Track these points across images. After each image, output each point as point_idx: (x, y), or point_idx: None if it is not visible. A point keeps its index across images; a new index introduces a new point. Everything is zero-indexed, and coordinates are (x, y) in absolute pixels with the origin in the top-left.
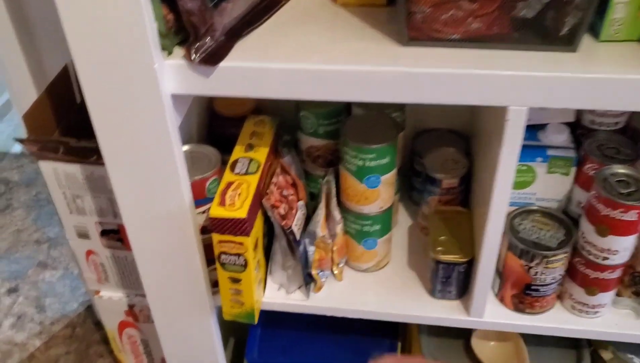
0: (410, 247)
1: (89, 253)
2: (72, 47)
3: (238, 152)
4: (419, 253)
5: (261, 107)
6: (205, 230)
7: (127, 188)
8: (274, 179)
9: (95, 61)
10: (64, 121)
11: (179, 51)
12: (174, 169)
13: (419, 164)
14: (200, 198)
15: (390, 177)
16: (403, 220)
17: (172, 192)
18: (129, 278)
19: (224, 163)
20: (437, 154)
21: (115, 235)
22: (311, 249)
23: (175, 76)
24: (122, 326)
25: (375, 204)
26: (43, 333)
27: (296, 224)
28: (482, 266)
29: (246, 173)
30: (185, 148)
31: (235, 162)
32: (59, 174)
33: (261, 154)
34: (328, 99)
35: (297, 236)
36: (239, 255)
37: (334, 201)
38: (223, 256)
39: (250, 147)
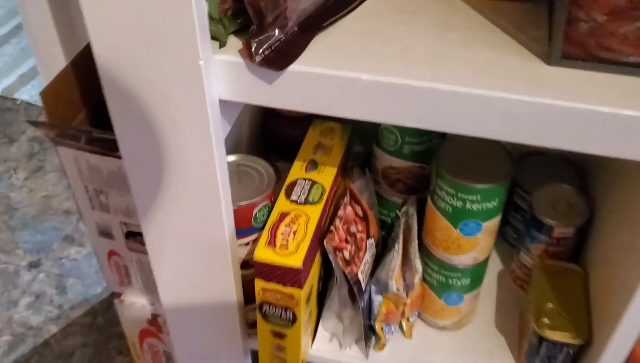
0: (499, 300)
1: (111, 254)
2: (88, 25)
3: (297, 171)
4: (509, 310)
5: None
6: (247, 264)
7: (152, 210)
8: (341, 212)
9: (119, 50)
10: (93, 99)
11: (234, 43)
12: (214, 192)
13: (521, 197)
14: (245, 227)
15: (493, 224)
16: (492, 263)
17: (209, 219)
18: (155, 285)
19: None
20: (548, 192)
21: (141, 238)
22: (378, 299)
23: (226, 76)
24: (144, 335)
25: (469, 256)
26: (61, 318)
27: (363, 271)
28: (610, 353)
29: (306, 202)
30: (231, 158)
31: (293, 185)
32: (80, 165)
33: (327, 176)
34: (434, 128)
35: (363, 286)
36: (286, 308)
37: (414, 245)
38: (266, 307)
39: (313, 165)
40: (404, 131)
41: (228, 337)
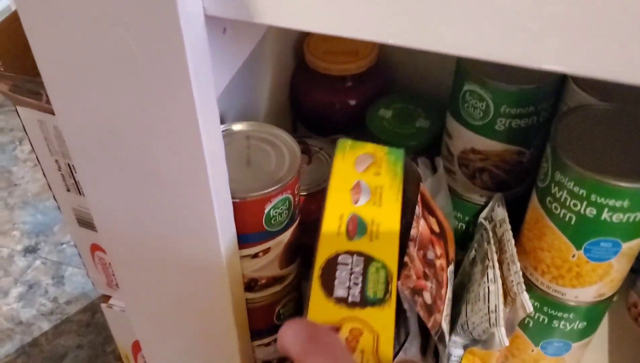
0: (613, 346)
1: (95, 248)
2: None
3: (332, 238)
4: (626, 360)
5: (388, 64)
6: (254, 285)
7: (100, 197)
8: (413, 232)
9: None
10: None
11: None
12: (198, 174)
13: None
14: (252, 231)
15: (636, 246)
16: None
17: (194, 217)
18: None
19: (309, 156)
20: None
21: None
22: (457, 353)
23: None
24: (138, 347)
25: (592, 290)
26: (55, 313)
27: (446, 316)
28: None
29: (364, 302)
30: (237, 127)
31: (333, 265)
32: (47, 131)
33: (387, 245)
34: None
35: (446, 337)
36: None
37: (514, 268)
38: None
39: (359, 225)
40: (500, 95)
41: None
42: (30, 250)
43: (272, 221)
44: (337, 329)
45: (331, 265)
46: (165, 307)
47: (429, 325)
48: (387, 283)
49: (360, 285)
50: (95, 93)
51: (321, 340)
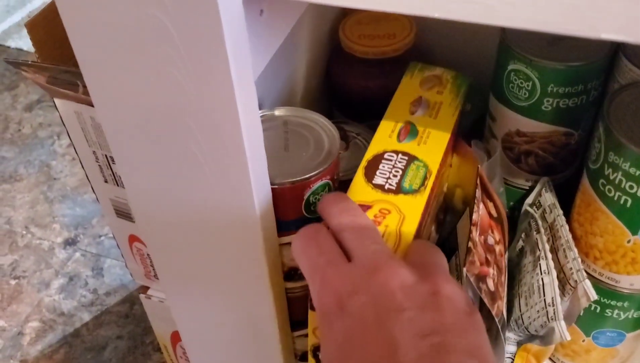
0: None
1: (133, 239)
2: None
3: (384, 139)
4: None
5: (426, 47)
6: (294, 274)
7: (139, 185)
8: (475, 217)
9: None
10: None
11: None
12: (238, 158)
13: None
14: (292, 217)
15: None
16: None
17: (233, 203)
18: None
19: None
20: None
21: None
22: (510, 350)
23: None
24: (177, 338)
25: None
26: (95, 304)
27: (506, 304)
28: None
29: (399, 190)
30: (276, 112)
31: (378, 161)
32: (84, 123)
33: (433, 150)
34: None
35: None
36: None
37: (571, 254)
38: None
39: (411, 132)
40: (547, 74)
41: None
42: (70, 243)
43: (312, 208)
44: (367, 207)
45: (377, 159)
46: (205, 296)
47: (494, 312)
48: (425, 178)
49: (398, 177)
50: (133, 77)
51: (351, 207)
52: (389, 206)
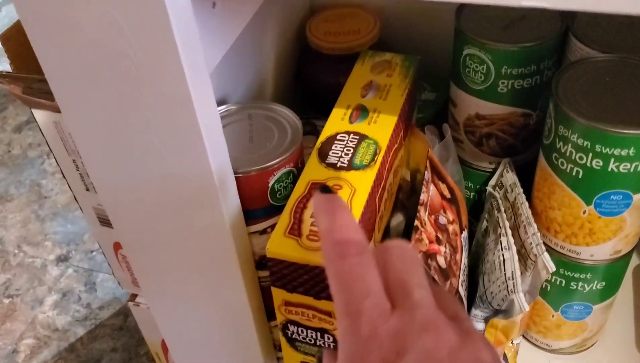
0: (638, 308)
1: (117, 246)
2: None
3: (337, 122)
4: None
5: (390, 41)
6: (265, 263)
7: (107, 182)
8: (423, 197)
9: None
10: None
11: None
12: (198, 148)
13: None
14: (258, 206)
15: None
16: None
17: (197, 192)
18: None
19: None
20: None
21: None
22: (479, 327)
23: None
24: None
25: (607, 246)
26: (88, 319)
27: (462, 283)
28: None
29: (350, 167)
30: (238, 105)
31: (331, 142)
32: (63, 132)
33: (382, 129)
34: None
35: (465, 305)
36: (323, 331)
37: (531, 230)
38: (293, 329)
39: (361, 113)
40: (500, 56)
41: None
42: (62, 259)
43: (278, 195)
44: (319, 185)
45: (330, 141)
46: (182, 290)
47: (446, 288)
48: (375, 154)
49: (350, 155)
50: (94, 75)
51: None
52: (340, 182)
